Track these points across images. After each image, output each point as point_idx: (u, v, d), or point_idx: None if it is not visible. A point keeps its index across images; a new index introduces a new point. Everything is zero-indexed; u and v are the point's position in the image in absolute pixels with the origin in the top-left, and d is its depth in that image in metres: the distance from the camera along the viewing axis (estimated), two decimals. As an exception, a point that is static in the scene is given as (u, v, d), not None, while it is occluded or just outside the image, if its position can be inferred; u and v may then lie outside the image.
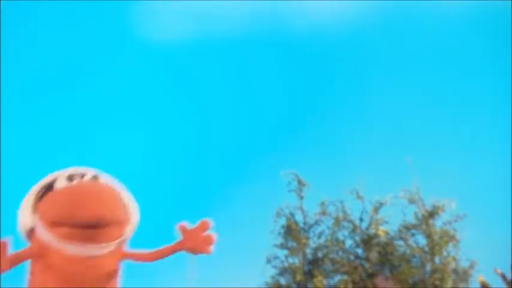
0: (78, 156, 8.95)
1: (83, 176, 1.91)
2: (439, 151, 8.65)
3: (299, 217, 8.24)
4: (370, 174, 7.97)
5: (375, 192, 8.28)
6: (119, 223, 1.86)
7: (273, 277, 8.09)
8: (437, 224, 8.08)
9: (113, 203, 1.86)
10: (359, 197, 8.22)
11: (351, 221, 8.16)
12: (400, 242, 8.23)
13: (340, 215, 8.17)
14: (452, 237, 7.93)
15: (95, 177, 1.94)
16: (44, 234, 1.80)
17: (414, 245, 8.12)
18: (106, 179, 1.98)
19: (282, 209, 8.25)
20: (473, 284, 7.53)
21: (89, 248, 1.78)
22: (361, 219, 8.24)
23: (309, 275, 7.91)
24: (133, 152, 9.02)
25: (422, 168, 8.13)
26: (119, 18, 9.20)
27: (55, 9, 8.85)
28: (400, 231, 8.23)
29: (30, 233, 1.88)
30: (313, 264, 7.94)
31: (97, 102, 9.17)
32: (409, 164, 8.02)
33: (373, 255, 8.10)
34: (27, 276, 1.93)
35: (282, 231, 8.23)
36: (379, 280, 7.52)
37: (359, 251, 8.10)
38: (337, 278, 7.83)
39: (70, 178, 1.89)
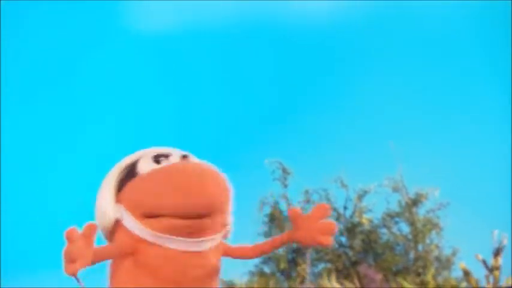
0: (70, 147, 8.89)
1: (167, 156, 1.53)
2: (423, 139, 8.67)
3: (283, 205, 8.24)
4: (354, 162, 7.98)
5: (359, 181, 8.31)
6: (224, 210, 1.52)
7: (256, 265, 8.10)
8: (421, 212, 8.13)
9: (219, 186, 1.49)
10: (343, 185, 8.23)
11: (335, 209, 8.17)
12: (384, 230, 8.28)
13: (324, 203, 8.17)
14: (435, 225, 7.99)
15: (184, 157, 1.55)
16: (136, 227, 1.45)
17: (398, 233, 8.17)
18: (195, 158, 1.59)
19: (266, 198, 8.25)
20: (456, 271, 7.60)
21: (192, 242, 1.44)
22: (345, 208, 8.25)
23: (293, 263, 7.92)
24: (125, 143, 8.96)
25: (407, 157, 8.15)
26: (111, 11, 9.08)
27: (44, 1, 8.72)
28: (383, 219, 8.27)
29: (114, 226, 1.51)
30: (297, 253, 7.95)
31: (88, 95, 9.09)
32: (393, 152, 8.03)
33: (357, 243, 8.13)
34: (109, 277, 1.55)
35: (266, 219, 8.24)
36: (363, 268, 7.55)
37: (343, 239, 8.13)
38: (321, 266, 7.85)
39: (156, 160, 1.51)
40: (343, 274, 7.51)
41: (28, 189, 8.41)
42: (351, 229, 8.10)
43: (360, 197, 8.26)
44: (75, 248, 1.28)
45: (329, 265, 7.74)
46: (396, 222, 8.23)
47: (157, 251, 1.44)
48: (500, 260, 5.92)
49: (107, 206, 1.51)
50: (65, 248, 1.29)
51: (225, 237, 1.56)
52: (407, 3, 8.86)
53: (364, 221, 8.17)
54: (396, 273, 7.71)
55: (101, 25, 9.14)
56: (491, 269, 5.93)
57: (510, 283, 5.86)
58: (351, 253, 7.97)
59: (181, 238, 1.42)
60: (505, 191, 7.33)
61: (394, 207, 8.26)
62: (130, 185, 1.49)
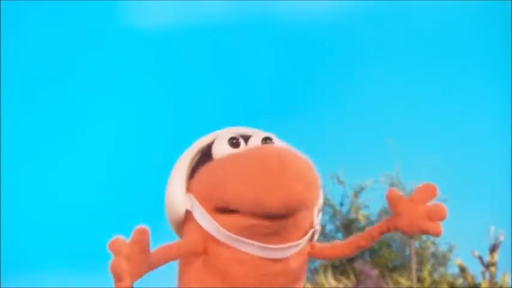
0: (70, 144, 8.86)
1: (247, 139, 1.28)
2: (420, 136, 8.67)
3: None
4: (350, 158, 7.97)
5: (356, 177, 8.29)
6: (312, 207, 1.23)
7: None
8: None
9: (307, 178, 1.18)
10: (340, 181, 8.21)
11: (331, 206, 8.16)
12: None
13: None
14: (431, 222, 7.98)
15: (266, 140, 1.30)
16: (206, 223, 1.20)
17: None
18: (278, 141, 1.31)
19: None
20: (452, 268, 7.60)
21: (271, 250, 1.16)
22: (341, 204, 8.24)
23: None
24: (125, 139, 8.94)
25: (403, 153, 8.14)
26: (110, 8, 9.04)
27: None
28: (380, 215, 8.26)
29: (185, 219, 1.28)
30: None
31: (87, 92, 9.06)
32: (390, 149, 8.02)
33: (353, 239, 8.12)
34: (178, 276, 1.33)
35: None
36: (359, 264, 7.54)
37: (339, 235, 8.12)
38: (317, 262, 7.84)
39: (234, 142, 1.26)
40: (339, 270, 7.49)
41: (28, 187, 8.38)
42: (348, 225, 8.09)
43: (357, 194, 8.25)
44: (121, 261, 1.05)
45: (325, 261, 7.74)
46: (393, 219, 8.23)
47: (230, 253, 1.20)
48: (497, 256, 5.93)
49: (176, 195, 1.28)
50: (110, 262, 1.09)
51: (311, 239, 1.28)
52: (406, 2, 8.85)
53: (360, 217, 8.16)
54: (392, 270, 7.71)
55: (100, 23, 9.10)
56: (487, 265, 5.93)
57: (506, 280, 5.86)
58: (347, 249, 7.96)
59: (258, 243, 1.17)
60: (502, 188, 7.33)
61: (391, 203, 8.25)
62: (202, 172, 1.26)
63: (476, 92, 8.69)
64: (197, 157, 1.31)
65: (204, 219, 1.20)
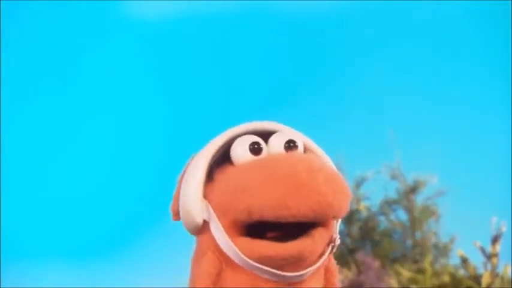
0: (68, 134, 8.85)
1: (267, 137, 1.16)
2: (422, 127, 8.64)
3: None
4: (352, 149, 7.94)
5: (357, 168, 8.27)
6: (338, 217, 1.10)
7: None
8: (419, 199, 8.11)
9: (340, 186, 1.08)
10: (341, 172, 8.19)
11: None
12: (382, 218, 8.26)
13: None
14: (433, 213, 7.97)
15: (289, 145, 1.15)
16: (225, 244, 1.10)
17: (395, 221, 8.16)
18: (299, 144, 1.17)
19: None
20: (453, 259, 7.59)
21: (290, 277, 1.06)
22: (342, 195, 8.23)
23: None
24: (124, 133, 8.92)
25: (405, 144, 8.11)
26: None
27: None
28: (381, 206, 8.25)
29: (201, 228, 1.15)
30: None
31: (86, 85, 9.02)
32: (391, 139, 7.99)
33: (355, 230, 8.11)
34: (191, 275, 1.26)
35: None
36: (360, 255, 7.54)
37: (341, 226, 8.11)
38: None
39: (255, 148, 1.13)
40: (340, 261, 7.44)
41: (28, 182, 8.37)
42: (349, 216, 8.08)
43: (358, 185, 8.23)
44: None
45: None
46: (394, 210, 8.22)
47: (244, 275, 1.10)
48: (498, 247, 5.92)
49: (192, 204, 1.17)
50: None
51: (331, 252, 1.14)
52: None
53: (361, 208, 8.14)
54: (394, 261, 7.70)
55: (99, 14, 9.06)
56: (489, 256, 5.92)
57: (508, 270, 5.86)
58: (348, 240, 7.95)
59: (275, 271, 1.06)
60: (503, 179, 7.31)
61: (392, 194, 8.24)
62: (221, 182, 1.14)
63: (477, 84, 8.65)
64: (213, 160, 1.16)
65: (221, 237, 1.10)
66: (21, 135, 8.39)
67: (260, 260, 1.06)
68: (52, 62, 8.89)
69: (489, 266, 5.94)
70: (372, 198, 8.36)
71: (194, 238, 1.28)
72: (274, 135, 1.17)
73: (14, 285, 6.83)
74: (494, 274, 5.91)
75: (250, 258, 1.06)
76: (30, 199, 8.13)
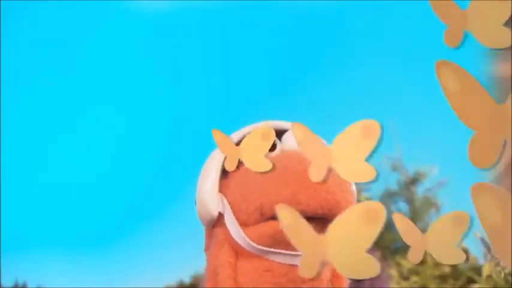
0: (67, 123, 8.86)
1: (280, 134, 1.21)
2: (422, 118, 8.63)
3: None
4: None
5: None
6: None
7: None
8: (419, 190, 8.11)
9: (348, 186, 1.22)
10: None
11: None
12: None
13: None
14: (434, 204, 7.98)
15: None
16: (238, 236, 1.15)
17: (396, 212, 8.17)
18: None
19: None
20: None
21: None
22: (343, 187, 8.24)
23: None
24: (125, 122, 8.93)
25: (405, 135, 8.11)
26: None
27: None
28: (382, 198, 8.25)
29: (217, 221, 1.20)
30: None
31: (84, 75, 9.03)
32: (391, 131, 7.99)
33: (355, 222, 8.12)
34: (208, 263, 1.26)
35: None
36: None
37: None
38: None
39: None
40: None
41: (25, 175, 8.38)
42: (350, 208, 8.10)
43: (359, 176, 8.23)
44: None
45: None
46: (395, 201, 8.22)
47: (258, 262, 1.17)
48: (499, 238, 5.92)
49: (208, 196, 1.21)
50: None
51: None
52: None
53: (362, 199, 8.15)
54: (394, 252, 7.72)
55: (97, 7, 9.05)
56: (489, 247, 5.92)
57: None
58: (349, 232, 7.97)
59: (287, 251, 1.12)
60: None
61: (393, 186, 8.24)
62: (236, 177, 1.19)
63: (478, 75, 8.63)
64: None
65: (235, 230, 1.17)
66: (21, 126, 8.41)
67: (265, 241, 1.13)
68: (50, 55, 8.89)
69: (489, 257, 5.94)
70: (373, 189, 8.37)
71: (200, 231, 1.33)
72: (287, 133, 1.25)
73: (12, 277, 6.86)
74: (494, 265, 5.92)
75: (262, 243, 1.13)
76: (28, 191, 8.16)
